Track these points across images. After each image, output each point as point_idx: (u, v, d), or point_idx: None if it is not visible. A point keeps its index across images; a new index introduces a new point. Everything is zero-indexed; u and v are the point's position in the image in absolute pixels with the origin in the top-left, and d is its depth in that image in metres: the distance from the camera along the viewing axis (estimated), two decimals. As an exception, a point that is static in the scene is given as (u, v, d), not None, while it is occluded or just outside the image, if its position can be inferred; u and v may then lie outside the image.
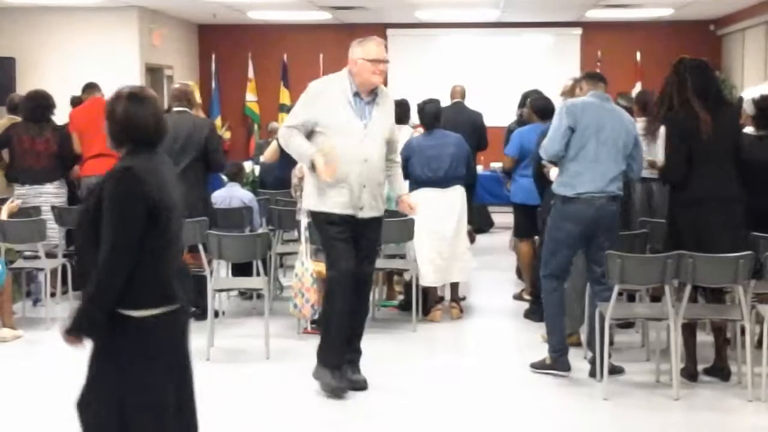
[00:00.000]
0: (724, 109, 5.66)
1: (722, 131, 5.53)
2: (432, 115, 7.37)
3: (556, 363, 5.79)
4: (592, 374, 5.74)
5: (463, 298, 7.84)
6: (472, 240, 9.02)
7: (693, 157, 5.55)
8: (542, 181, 6.59)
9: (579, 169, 5.62)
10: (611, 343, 5.81)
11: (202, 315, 6.87)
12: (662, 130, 6.47)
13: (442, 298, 7.57)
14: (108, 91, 8.45)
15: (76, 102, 9.25)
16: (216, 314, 6.88)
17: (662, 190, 6.67)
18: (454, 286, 7.53)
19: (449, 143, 7.27)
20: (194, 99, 7.48)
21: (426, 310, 7.45)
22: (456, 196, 7.30)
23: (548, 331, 5.88)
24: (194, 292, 7.22)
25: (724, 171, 5.55)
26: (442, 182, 7.21)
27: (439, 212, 7.17)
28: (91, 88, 8.89)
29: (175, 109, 7.39)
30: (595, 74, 6.15)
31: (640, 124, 7.16)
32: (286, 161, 7.75)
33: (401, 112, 8.27)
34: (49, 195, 8.07)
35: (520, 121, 8.25)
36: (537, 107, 7.56)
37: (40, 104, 8.16)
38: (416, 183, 7.18)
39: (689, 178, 5.57)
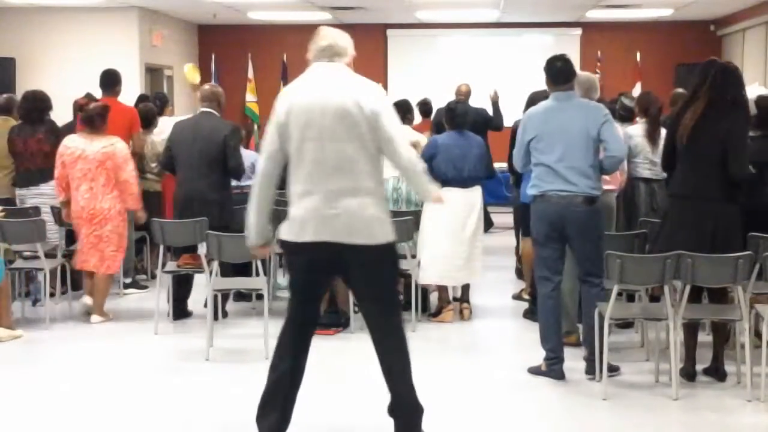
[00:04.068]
0: (733, 114, 5.51)
1: (715, 135, 5.45)
2: (462, 115, 7.39)
3: (550, 371, 5.78)
4: (588, 372, 5.74)
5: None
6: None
7: (680, 156, 5.63)
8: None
9: (545, 169, 5.68)
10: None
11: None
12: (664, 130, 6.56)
13: (453, 299, 7.55)
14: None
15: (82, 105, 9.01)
16: (215, 315, 6.88)
17: (665, 191, 6.68)
18: (466, 287, 7.52)
19: (474, 144, 7.30)
20: (223, 101, 7.41)
21: (426, 310, 7.44)
22: (476, 196, 7.33)
23: (541, 338, 5.83)
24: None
25: (708, 172, 5.49)
26: (465, 182, 7.23)
27: (461, 212, 7.21)
28: (111, 85, 8.57)
29: (202, 109, 7.38)
30: (553, 74, 5.77)
31: (641, 126, 7.18)
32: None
33: (403, 112, 8.29)
34: (47, 197, 8.04)
35: None
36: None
37: (36, 106, 8.14)
38: (439, 182, 7.15)
39: (677, 175, 5.69)
